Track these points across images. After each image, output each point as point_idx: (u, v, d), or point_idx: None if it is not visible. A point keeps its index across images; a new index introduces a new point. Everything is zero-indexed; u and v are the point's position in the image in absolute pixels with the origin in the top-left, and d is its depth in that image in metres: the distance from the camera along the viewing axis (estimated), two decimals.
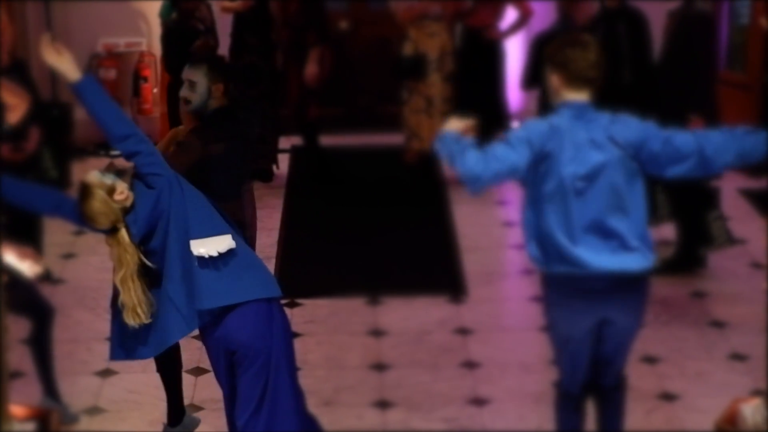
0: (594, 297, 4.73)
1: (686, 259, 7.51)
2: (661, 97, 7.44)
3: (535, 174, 4.66)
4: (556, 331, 4.90)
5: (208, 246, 4.62)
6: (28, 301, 5.79)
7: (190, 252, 4.61)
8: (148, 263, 4.62)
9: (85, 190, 4.60)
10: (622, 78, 7.48)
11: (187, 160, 5.27)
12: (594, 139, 4.64)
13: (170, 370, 5.55)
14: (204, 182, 4.93)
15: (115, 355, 4.84)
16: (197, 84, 5.47)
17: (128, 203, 4.60)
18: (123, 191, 4.58)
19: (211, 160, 5.24)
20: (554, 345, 4.97)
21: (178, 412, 5.65)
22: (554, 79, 4.73)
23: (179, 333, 4.70)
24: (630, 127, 4.67)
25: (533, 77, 7.85)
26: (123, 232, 4.60)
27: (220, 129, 5.51)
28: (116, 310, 4.73)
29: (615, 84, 6.87)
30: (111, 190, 4.57)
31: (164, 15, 8.73)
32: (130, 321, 4.63)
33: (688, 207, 7.48)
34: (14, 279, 5.70)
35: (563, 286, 4.75)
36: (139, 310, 4.62)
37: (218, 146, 5.38)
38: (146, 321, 4.64)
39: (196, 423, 5.72)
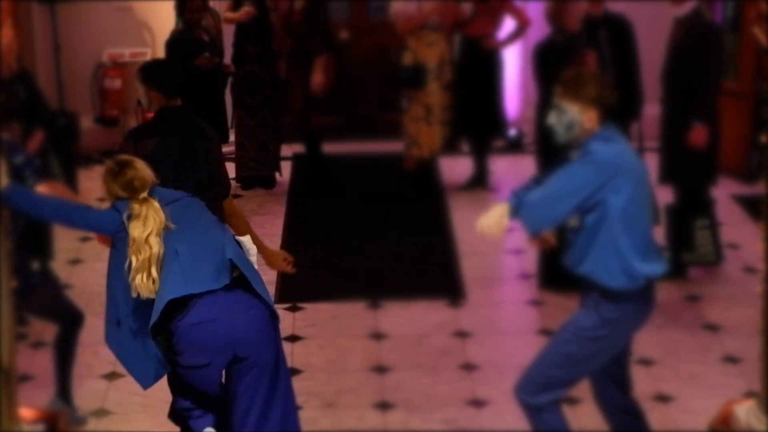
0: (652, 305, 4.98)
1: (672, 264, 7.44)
2: (665, 104, 7.43)
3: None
4: (602, 351, 4.91)
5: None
6: (57, 306, 5.86)
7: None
8: (171, 226, 4.73)
9: (124, 160, 4.84)
10: None
11: None
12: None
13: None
14: None
15: (146, 382, 4.95)
16: (138, 90, 5.66)
17: None
18: None
19: (144, 159, 5.17)
20: (586, 363, 4.94)
21: None
22: (591, 116, 4.69)
23: (176, 291, 4.66)
24: None
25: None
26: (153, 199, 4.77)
27: (148, 129, 5.68)
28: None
29: None
30: None
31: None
32: (144, 290, 4.70)
33: (675, 210, 7.46)
34: (36, 285, 5.79)
35: (642, 301, 4.88)
36: (153, 270, 4.68)
37: (149, 143, 5.50)
38: (155, 290, 4.68)
39: None
